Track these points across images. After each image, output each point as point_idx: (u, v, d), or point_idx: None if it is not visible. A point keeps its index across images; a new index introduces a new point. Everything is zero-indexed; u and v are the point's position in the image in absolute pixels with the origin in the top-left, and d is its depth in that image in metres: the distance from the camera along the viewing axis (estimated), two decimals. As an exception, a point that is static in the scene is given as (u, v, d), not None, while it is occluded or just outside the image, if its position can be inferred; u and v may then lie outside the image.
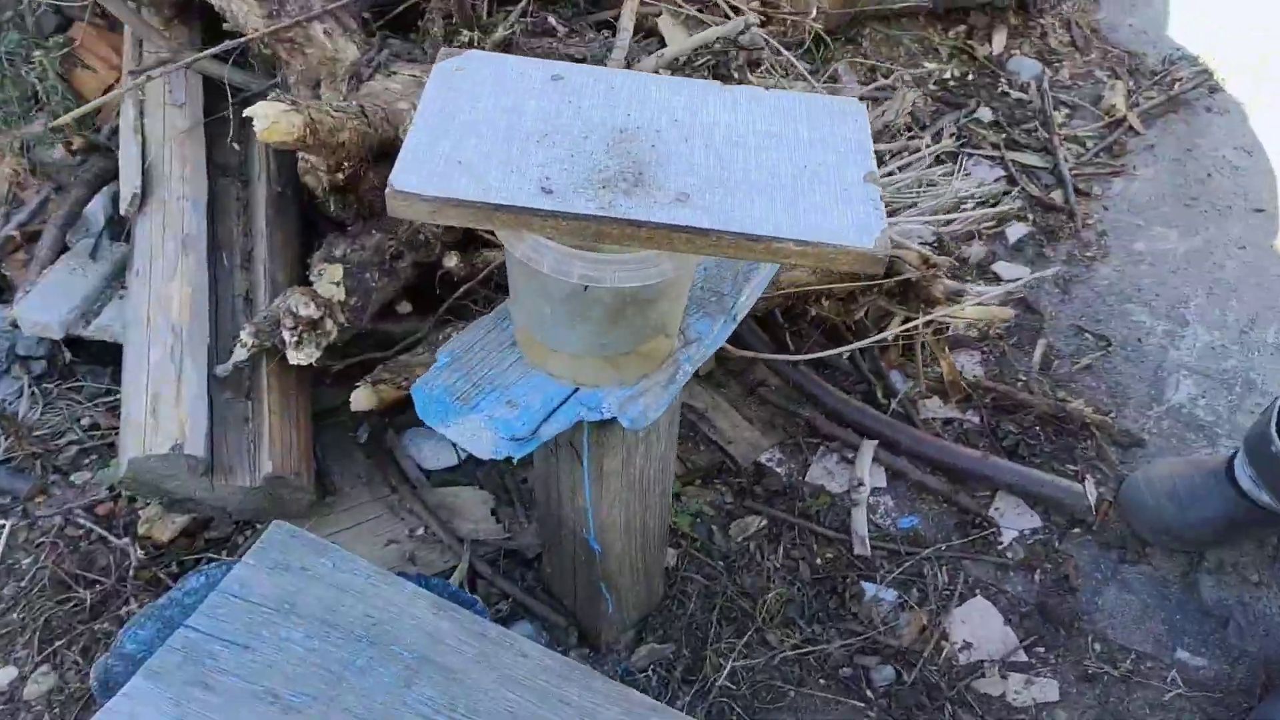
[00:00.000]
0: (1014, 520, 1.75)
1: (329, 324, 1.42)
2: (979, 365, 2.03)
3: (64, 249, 1.71)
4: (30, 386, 1.66)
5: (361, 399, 1.43)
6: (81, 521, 1.56)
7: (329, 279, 1.48)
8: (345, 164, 1.45)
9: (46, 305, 1.61)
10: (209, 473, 1.38)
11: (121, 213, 1.56)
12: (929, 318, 1.60)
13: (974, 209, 1.75)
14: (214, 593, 1.14)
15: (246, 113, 1.09)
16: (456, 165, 0.95)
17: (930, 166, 1.73)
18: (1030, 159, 2.43)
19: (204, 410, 1.37)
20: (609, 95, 1.06)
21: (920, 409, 1.93)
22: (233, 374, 1.46)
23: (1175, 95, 2.61)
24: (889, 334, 1.59)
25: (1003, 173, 2.36)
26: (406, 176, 0.93)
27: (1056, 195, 2.36)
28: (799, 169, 1.02)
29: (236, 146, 1.68)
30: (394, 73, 1.47)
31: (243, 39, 1.35)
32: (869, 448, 1.81)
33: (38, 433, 1.64)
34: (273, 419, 1.42)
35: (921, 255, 1.59)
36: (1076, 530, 1.74)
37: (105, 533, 1.54)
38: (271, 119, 1.10)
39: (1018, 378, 2.01)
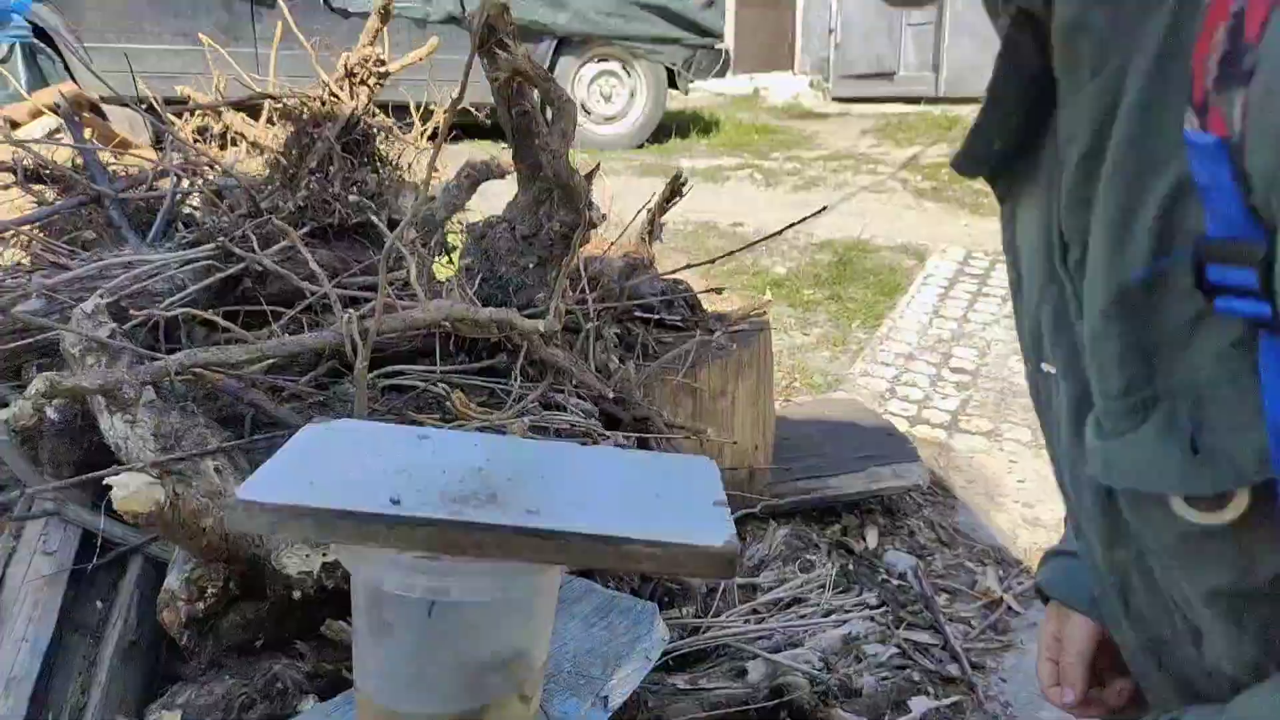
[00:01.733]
0: None
1: (150, 754, 1.24)
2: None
3: None
4: None
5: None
6: None
7: (164, 720, 1.34)
8: (209, 590, 1.41)
9: None
10: None
11: (-51, 646, 1.43)
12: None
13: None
14: None
15: (107, 481, 1.10)
16: (307, 485, 0.96)
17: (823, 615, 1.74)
18: (921, 637, 2.45)
19: None
20: (472, 448, 1.12)
21: None
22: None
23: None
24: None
25: (895, 649, 2.36)
26: (253, 489, 0.93)
27: (953, 669, 2.34)
28: (651, 496, 1.06)
29: (100, 604, 1.62)
30: (276, 501, 1.51)
31: (134, 466, 1.41)
32: None
33: None
34: None
35: (809, 676, 1.53)
36: None
37: None
38: (132, 489, 1.11)
39: None
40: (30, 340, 1.67)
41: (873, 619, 1.98)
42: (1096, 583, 0.77)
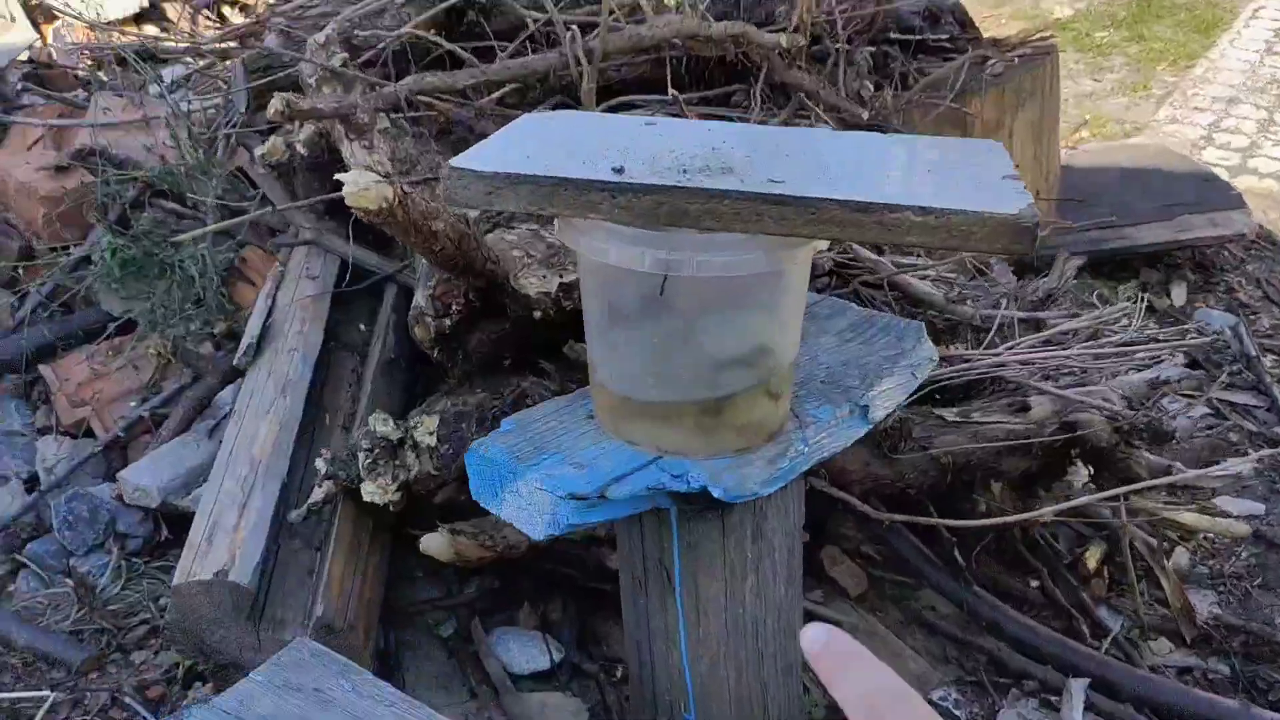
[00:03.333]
0: (1303, 792, 1.25)
1: (410, 457, 1.28)
2: (1215, 606, 1.60)
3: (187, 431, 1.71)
4: (119, 561, 1.57)
5: (434, 544, 1.24)
6: (129, 703, 1.37)
7: (424, 429, 1.37)
8: (453, 306, 1.40)
9: (151, 472, 1.57)
10: (255, 617, 1.19)
11: (234, 363, 1.55)
12: (1136, 487, 1.28)
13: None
14: (206, 708, 0.92)
15: (338, 177, 1.08)
16: (524, 158, 0.86)
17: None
18: (1241, 397, 2.11)
19: (261, 541, 1.22)
20: (705, 133, 0.98)
21: (1145, 653, 1.51)
22: (307, 523, 1.31)
23: None
24: (1081, 500, 1.26)
25: (1207, 410, 2.05)
26: (467, 159, 0.85)
27: (1281, 431, 2.01)
28: (920, 170, 0.87)
29: (363, 327, 1.68)
30: (513, 227, 1.47)
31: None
32: (1079, 689, 1.39)
33: (112, 606, 1.51)
34: (334, 564, 1.24)
35: (1110, 418, 1.31)
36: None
37: (150, 718, 1.34)
38: (362, 185, 1.07)
39: (1273, 620, 1.56)
40: (275, 76, 1.69)
41: (1186, 367, 1.69)
42: None
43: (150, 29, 2.40)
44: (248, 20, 1.74)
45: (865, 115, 1.68)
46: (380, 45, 1.65)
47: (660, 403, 0.89)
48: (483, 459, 0.92)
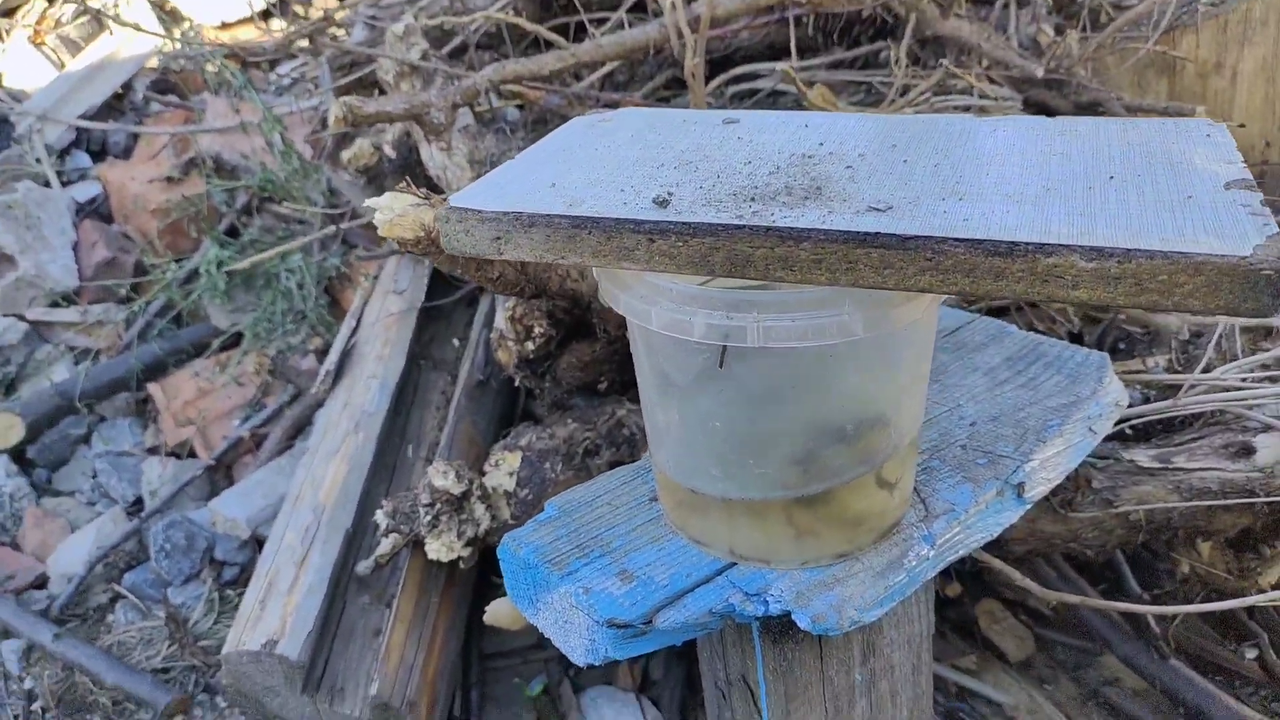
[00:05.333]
0: None
1: (479, 509, 1.12)
2: None
3: (288, 451, 1.63)
4: (213, 592, 1.51)
5: (502, 614, 1.08)
6: (207, 753, 1.31)
7: (505, 468, 1.21)
8: (535, 329, 1.23)
9: (241, 501, 1.50)
10: (311, 689, 1.07)
11: (312, 392, 1.45)
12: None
13: None
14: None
15: (367, 203, 0.92)
16: (547, 189, 0.66)
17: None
18: None
19: (316, 605, 1.10)
20: (800, 130, 0.74)
21: None
22: (378, 575, 1.19)
23: None
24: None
25: None
26: (471, 196, 0.66)
27: None
28: (1095, 180, 0.61)
29: (457, 342, 1.55)
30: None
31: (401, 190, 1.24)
32: (1314, 809, 1.08)
33: (204, 642, 1.46)
34: (396, 630, 1.11)
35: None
36: None
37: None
38: (397, 212, 0.91)
39: None
40: (361, 73, 1.56)
41: None
42: None
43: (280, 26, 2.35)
44: (317, 19, 1.62)
45: (1040, 70, 1.37)
46: (471, 29, 1.48)
47: (731, 500, 0.68)
48: (515, 559, 0.74)
